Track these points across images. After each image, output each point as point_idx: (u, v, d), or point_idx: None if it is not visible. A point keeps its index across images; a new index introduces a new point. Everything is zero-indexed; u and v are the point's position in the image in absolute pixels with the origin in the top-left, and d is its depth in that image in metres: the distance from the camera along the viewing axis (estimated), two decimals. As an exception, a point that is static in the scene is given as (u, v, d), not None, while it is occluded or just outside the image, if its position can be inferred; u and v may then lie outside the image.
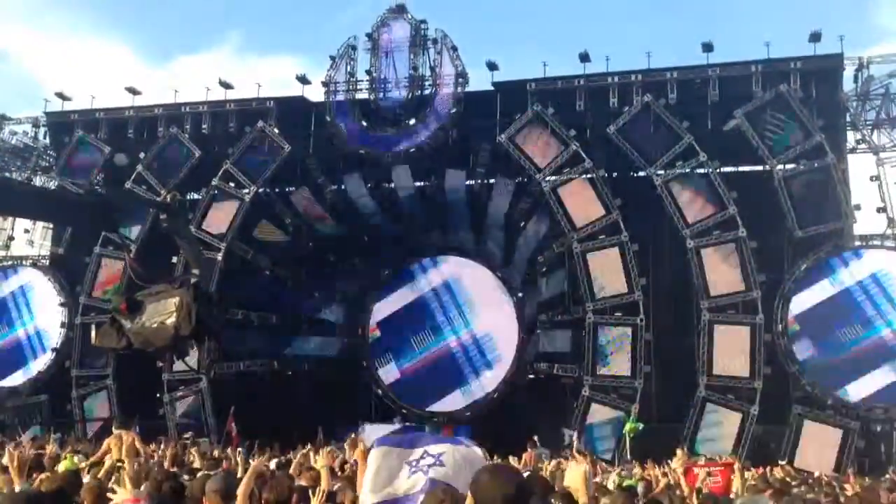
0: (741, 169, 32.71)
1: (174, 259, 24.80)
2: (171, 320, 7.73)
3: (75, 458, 12.76)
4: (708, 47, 31.12)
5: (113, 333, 8.11)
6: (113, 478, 7.83)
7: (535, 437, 15.29)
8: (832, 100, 31.27)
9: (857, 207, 30.42)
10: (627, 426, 26.49)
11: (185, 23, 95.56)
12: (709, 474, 11.28)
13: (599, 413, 30.23)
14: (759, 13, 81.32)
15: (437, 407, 35.40)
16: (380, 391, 36.48)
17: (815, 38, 30.44)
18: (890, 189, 30.34)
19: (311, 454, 10.95)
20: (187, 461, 12.84)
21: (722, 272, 29.84)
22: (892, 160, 30.74)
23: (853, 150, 31.95)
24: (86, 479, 7.74)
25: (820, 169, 29.67)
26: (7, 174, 37.03)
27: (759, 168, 31.34)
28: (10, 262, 38.17)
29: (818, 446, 27.90)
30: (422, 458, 4.62)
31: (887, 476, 19.67)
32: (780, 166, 30.18)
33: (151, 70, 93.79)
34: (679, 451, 11.90)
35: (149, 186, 34.40)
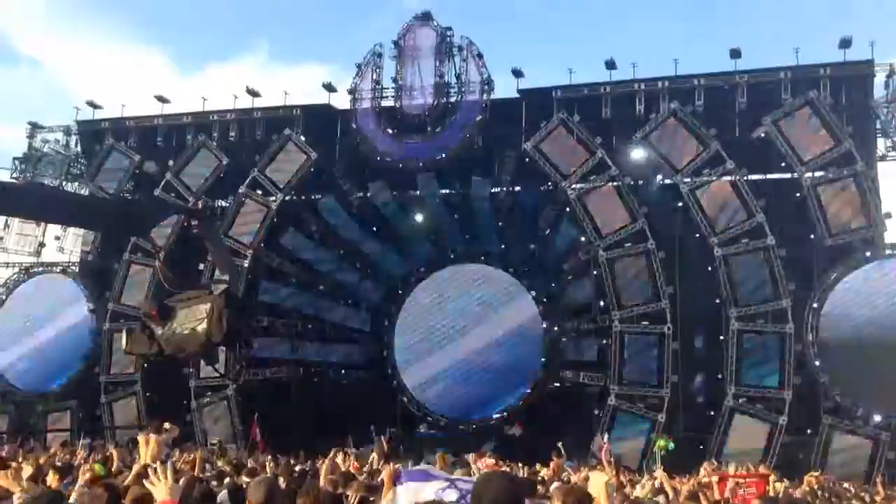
0: (769, 176, 32.39)
1: (201, 266, 24.97)
2: (202, 327, 7.76)
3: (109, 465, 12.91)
4: (736, 53, 30.93)
5: (144, 340, 8.16)
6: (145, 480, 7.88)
7: (560, 446, 15.17)
8: (862, 106, 30.93)
9: (888, 215, 30.03)
10: (659, 443, 26.22)
11: (214, 32, 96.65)
12: (738, 485, 11.17)
13: (626, 422, 30.02)
14: (789, 19, 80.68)
15: (462, 415, 35.37)
16: (405, 398, 36.52)
17: (846, 44, 30.14)
18: (921, 196, 29.89)
19: (341, 459, 10.96)
20: (215, 467, 12.92)
21: (751, 280, 29.56)
22: (923, 167, 30.30)
23: (883, 158, 31.53)
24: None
25: (849, 176, 29.34)
26: (40, 181, 37.57)
27: (788, 175, 31.02)
28: (40, 269, 38.66)
29: (848, 457, 27.53)
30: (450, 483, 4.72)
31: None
32: (809, 174, 29.88)
33: (182, 79, 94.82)
34: (706, 464, 11.78)
35: (177, 194, 34.71)
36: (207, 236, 8.74)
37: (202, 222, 8.65)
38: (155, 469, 6.31)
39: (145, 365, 32.08)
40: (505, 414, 35.03)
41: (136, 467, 9.78)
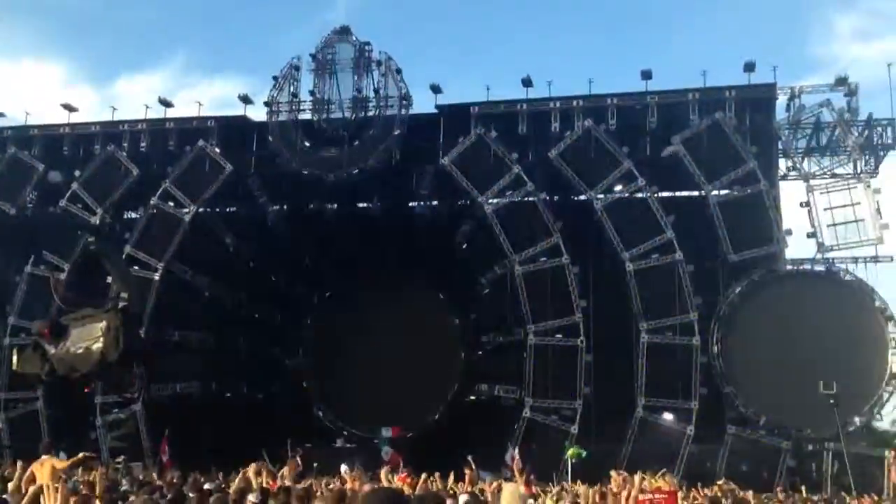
0: (678, 194, 33.42)
1: (109, 281, 24.20)
2: (97, 345, 7.52)
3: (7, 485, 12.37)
4: (647, 75, 31.86)
5: (36, 359, 7.85)
6: None
7: (470, 458, 15.36)
8: (765, 128, 32.27)
9: (789, 232, 31.42)
10: (570, 451, 26.63)
11: (128, 43, 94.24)
12: (649, 501, 11.38)
13: (540, 434, 30.38)
14: (697, 43, 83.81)
15: (377, 428, 35.16)
16: (321, 413, 36.12)
17: (750, 67, 31.44)
18: (819, 215, 31.27)
19: (253, 475, 10.78)
20: (119, 487, 12.53)
21: (659, 295, 30.37)
22: (821, 187, 31.73)
23: (784, 177, 32.98)
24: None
25: (752, 195, 30.51)
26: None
27: (696, 193, 32.05)
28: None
29: (751, 465, 28.49)
30: None
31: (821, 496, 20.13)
32: (715, 192, 30.96)
33: (94, 89, 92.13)
34: (614, 473, 12.03)
35: (84, 205, 33.66)
36: (104, 253, 8.50)
37: (99, 239, 8.42)
38: (50, 489, 6.10)
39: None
40: (420, 428, 34.94)
41: (31, 488, 9.42)
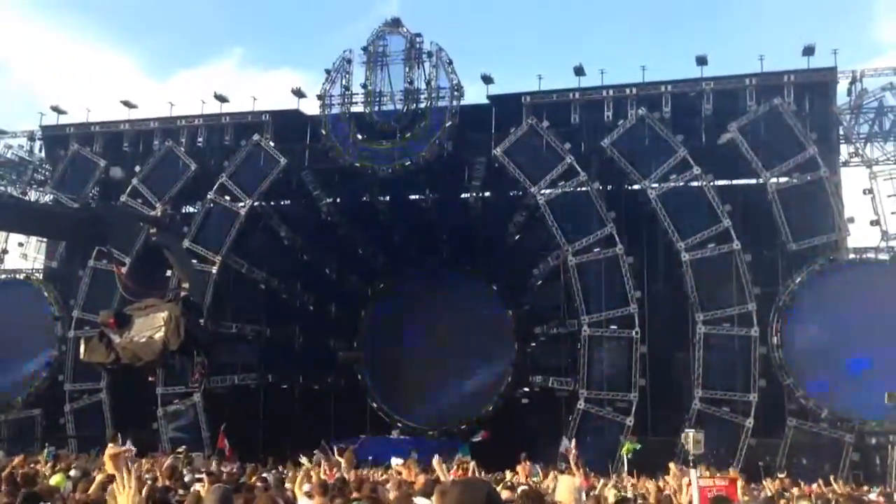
0: (735, 182, 32.79)
1: (168, 273, 24.72)
2: (159, 334, 7.67)
3: (71, 473, 12.73)
4: (702, 61, 31.29)
5: (101, 348, 8.05)
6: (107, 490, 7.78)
7: (524, 455, 15.44)
8: (825, 113, 31.44)
9: (851, 220, 30.55)
10: (626, 446, 26.41)
11: (188, 38, 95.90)
12: (708, 488, 11.25)
13: (595, 426, 30.17)
14: (754, 27, 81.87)
15: (434, 420, 35.33)
16: (374, 404, 36.42)
17: (809, 51, 30.62)
18: (883, 202, 30.43)
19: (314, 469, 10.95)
20: (180, 475, 12.78)
21: (717, 285, 29.88)
22: (884, 173, 30.85)
23: (846, 164, 32.05)
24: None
25: (813, 182, 29.79)
26: (1, 188, 37.02)
27: (753, 181, 31.41)
28: (3, 276, 38.03)
29: (813, 459, 27.88)
30: None
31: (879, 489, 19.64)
32: (774, 179, 30.28)
33: (152, 84, 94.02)
34: (672, 465, 11.89)
35: (144, 200, 34.35)
36: (166, 244, 8.65)
37: (161, 230, 8.55)
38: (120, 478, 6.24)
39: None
40: (474, 419, 35.00)
41: (99, 476, 9.67)
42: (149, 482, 9.18)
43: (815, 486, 16.75)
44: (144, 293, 8.56)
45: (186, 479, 12.02)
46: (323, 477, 10.69)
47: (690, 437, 8.89)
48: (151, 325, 7.79)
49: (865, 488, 18.75)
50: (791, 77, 30.94)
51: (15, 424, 35.09)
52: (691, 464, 8.61)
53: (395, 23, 34.71)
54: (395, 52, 34.35)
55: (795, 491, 14.76)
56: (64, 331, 35.11)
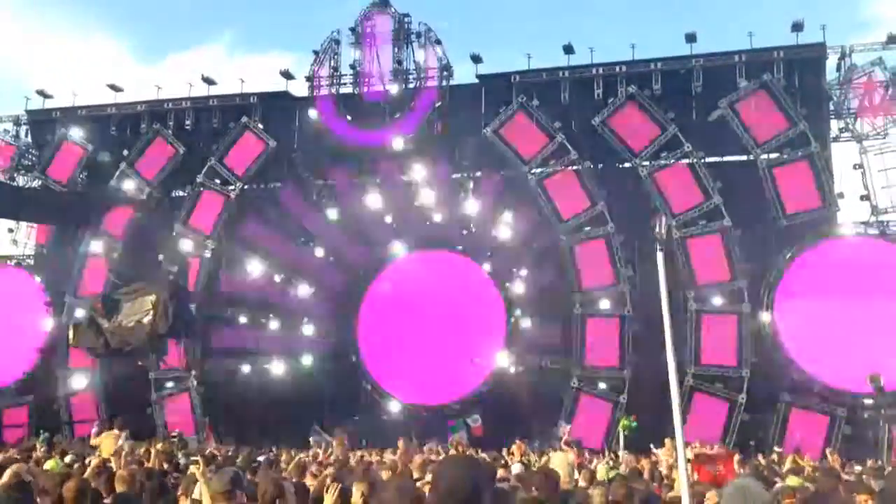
0: (726, 159, 32.80)
1: (161, 256, 24.68)
2: (147, 318, 7.66)
3: (66, 459, 12.73)
4: (691, 38, 31.21)
5: (90, 334, 8.04)
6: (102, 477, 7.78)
7: (518, 440, 15.56)
8: (815, 88, 31.39)
9: (841, 195, 30.57)
10: (623, 423, 26.53)
11: (177, 22, 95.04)
12: (704, 462, 11.37)
13: (588, 403, 30.32)
14: (743, 4, 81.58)
15: (428, 400, 35.40)
16: (369, 385, 36.46)
17: (798, 27, 30.56)
18: (873, 177, 30.47)
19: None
20: (176, 459, 12.79)
21: (708, 262, 29.96)
22: (874, 148, 30.87)
23: (836, 139, 32.06)
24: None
25: (804, 157, 29.82)
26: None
27: (744, 157, 31.43)
28: (-7, 262, 37.81)
29: (805, 434, 28.06)
30: None
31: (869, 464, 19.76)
32: (764, 155, 30.31)
33: (140, 69, 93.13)
34: (668, 441, 11.98)
35: (132, 183, 34.14)
36: (153, 228, 8.62)
37: (148, 214, 8.51)
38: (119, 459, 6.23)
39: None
40: (468, 399, 35.09)
41: (94, 461, 9.65)
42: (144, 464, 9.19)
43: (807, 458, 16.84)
44: (132, 277, 8.54)
45: (181, 462, 12.03)
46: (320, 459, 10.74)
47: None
48: (140, 310, 7.79)
49: (858, 468, 18.84)
50: (780, 53, 30.89)
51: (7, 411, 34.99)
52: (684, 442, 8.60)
53: (384, 3, 34.50)
54: (384, 32, 34.15)
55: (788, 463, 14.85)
56: (56, 316, 34.97)
